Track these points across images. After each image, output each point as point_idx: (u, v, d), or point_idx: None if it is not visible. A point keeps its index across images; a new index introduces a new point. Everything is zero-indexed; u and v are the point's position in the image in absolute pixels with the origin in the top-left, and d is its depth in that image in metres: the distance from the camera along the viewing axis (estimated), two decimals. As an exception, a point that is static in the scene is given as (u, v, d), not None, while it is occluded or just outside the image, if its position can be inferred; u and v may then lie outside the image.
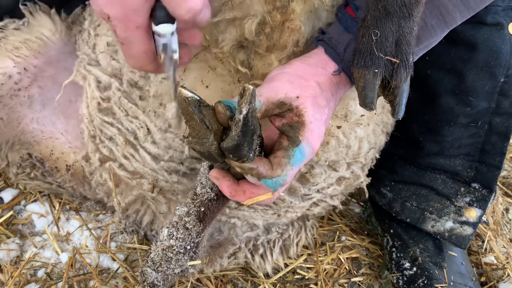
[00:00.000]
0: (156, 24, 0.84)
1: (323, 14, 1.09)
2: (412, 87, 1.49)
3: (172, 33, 0.86)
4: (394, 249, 1.68)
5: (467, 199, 1.58)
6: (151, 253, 1.21)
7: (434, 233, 1.61)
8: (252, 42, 1.10)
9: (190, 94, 0.87)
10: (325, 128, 1.03)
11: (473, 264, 1.77)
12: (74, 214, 1.73)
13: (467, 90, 1.47)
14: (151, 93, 1.27)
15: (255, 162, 0.91)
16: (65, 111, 1.53)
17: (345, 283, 1.66)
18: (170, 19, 0.84)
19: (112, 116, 1.37)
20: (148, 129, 1.32)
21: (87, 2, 1.55)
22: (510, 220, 1.99)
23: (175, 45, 0.88)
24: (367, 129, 1.34)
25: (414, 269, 1.61)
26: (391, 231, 1.71)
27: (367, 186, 1.58)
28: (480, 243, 1.86)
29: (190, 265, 1.23)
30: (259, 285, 1.60)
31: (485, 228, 1.90)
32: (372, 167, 1.55)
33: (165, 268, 1.19)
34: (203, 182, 1.13)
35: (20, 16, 1.51)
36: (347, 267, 1.72)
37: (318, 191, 1.44)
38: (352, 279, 1.67)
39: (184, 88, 0.87)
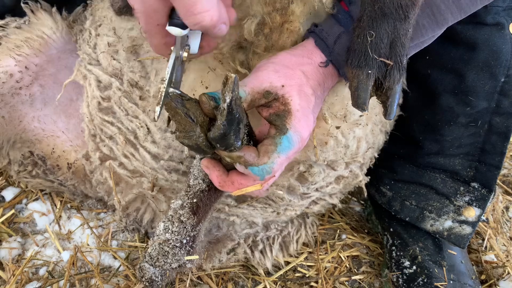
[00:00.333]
0: (169, 25, 0.88)
1: (322, 15, 1.09)
2: (412, 86, 1.51)
3: (185, 36, 0.92)
4: (394, 247, 1.68)
5: (467, 199, 1.58)
6: (148, 248, 1.21)
7: (433, 232, 1.61)
8: (251, 42, 1.11)
9: (171, 89, 0.90)
10: (314, 116, 1.03)
11: (473, 262, 1.77)
12: (76, 212, 1.73)
13: (467, 90, 1.47)
14: (151, 93, 1.28)
15: (242, 150, 0.92)
16: (66, 109, 1.53)
17: (346, 281, 1.66)
18: (183, 24, 0.87)
19: (112, 116, 1.37)
20: (148, 128, 1.33)
21: (88, 1, 1.55)
22: (510, 218, 2.00)
23: (185, 45, 0.94)
24: (365, 129, 1.34)
25: (414, 267, 1.61)
26: (391, 229, 1.72)
27: (367, 184, 1.58)
28: (480, 241, 1.86)
29: (187, 260, 1.24)
30: (260, 283, 1.60)
31: (485, 226, 1.90)
32: (371, 166, 1.55)
33: (163, 263, 1.20)
34: (195, 174, 1.15)
35: (22, 14, 1.51)
36: (347, 265, 1.72)
37: (317, 189, 1.45)
38: (353, 277, 1.68)
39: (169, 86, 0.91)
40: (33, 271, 1.54)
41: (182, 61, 0.95)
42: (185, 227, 1.18)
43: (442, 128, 1.54)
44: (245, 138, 0.95)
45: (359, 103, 0.98)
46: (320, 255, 1.73)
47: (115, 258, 1.60)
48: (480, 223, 1.86)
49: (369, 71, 0.95)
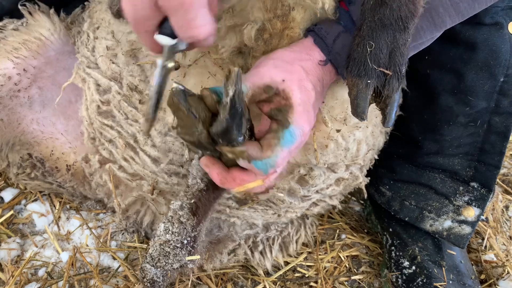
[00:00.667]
0: (158, 33, 0.87)
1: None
2: (412, 86, 1.50)
3: (173, 46, 0.90)
4: (393, 247, 1.68)
5: (466, 198, 1.58)
6: (149, 249, 1.21)
7: (433, 232, 1.61)
8: (250, 47, 1.10)
9: (174, 85, 0.89)
10: (314, 112, 1.03)
11: (472, 261, 1.77)
12: (75, 213, 1.73)
13: (467, 90, 1.47)
14: (151, 97, 1.27)
15: (245, 145, 0.92)
16: (65, 111, 1.53)
17: (345, 281, 1.66)
18: (173, 34, 0.87)
19: (112, 119, 1.37)
20: None
21: (86, 3, 1.55)
22: (510, 217, 1.99)
23: (172, 55, 0.91)
24: (365, 131, 1.34)
25: (413, 268, 1.61)
26: (390, 229, 1.71)
27: (366, 184, 1.58)
28: (480, 240, 1.86)
29: (188, 260, 1.24)
30: (259, 283, 1.60)
31: (484, 225, 1.90)
32: (371, 167, 1.55)
33: (164, 264, 1.20)
34: (194, 174, 1.15)
35: (20, 16, 1.51)
36: (347, 265, 1.72)
37: (317, 191, 1.45)
38: (352, 277, 1.68)
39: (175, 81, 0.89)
40: (32, 272, 1.54)
41: (167, 70, 0.93)
42: (185, 228, 1.18)
43: (441, 128, 1.54)
44: (247, 133, 0.94)
45: (358, 112, 0.99)
46: (320, 255, 1.73)
47: (114, 258, 1.60)
48: (479, 222, 1.85)
49: (368, 81, 0.96)
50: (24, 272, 1.51)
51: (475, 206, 1.57)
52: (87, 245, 1.63)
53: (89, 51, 1.41)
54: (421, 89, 1.53)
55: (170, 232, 1.18)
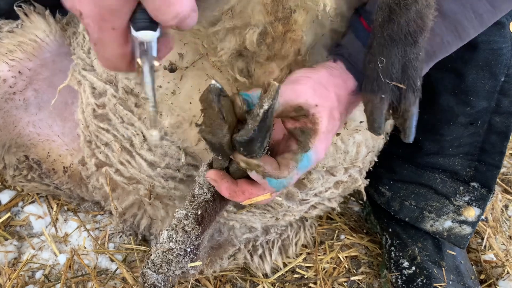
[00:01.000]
0: (137, 30, 0.75)
1: (326, 22, 1.08)
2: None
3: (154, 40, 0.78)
4: (393, 248, 1.68)
5: (466, 198, 1.57)
6: (151, 255, 1.20)
7: (433, 233, 1.61)
8: (253, 52, 1.09)
9: (213, 82, 0.85)
10: (331, 140, 1.03)
11: (472, 261, 1.77)
12: (72, 215, 1.73)
13: (467, 90, 1.46)
14: (147, 101, 1.26)
15: (262, 159, 0.91)
16: (61, 113, 1.52)
17: (345, 282, 1.66)
18: (152, 24, 0.75)
19: (107, 123, 1.36)
20: (144, 136, 1.31)
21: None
22: (509, 217, 1.99)
23: (155, 51, 0.79)
24: (365, 134, 1.33)
25: (413, 268, 1.61)
26: (390, 230, 1.71)
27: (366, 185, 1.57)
28: (480, 240, 1.86)
29: (191, 267, 1.23)
30: (258, 284, 1.60)
31: (484, 225, 1.90)
32: (371, 168, 1.54)
33: (166, 270, 1.19)
34: (200, 183, 1.12)
35: (16, 17, 1.50)
36: (346, 266, 1.71)
37: (315, 195, 1.44)
38: (352, 278, 1.67)
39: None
40: (30, 274, 1.54)
41: (154, 71, 0.80)
42: (189, 237, 1.16)
43: (441, 128, 1.54)
44: (267, 147, 0.92)
45: (374, 127, 0.99)
46: (319, 255, 1.73)
47: (112, 260, 1.59)
48: (479, 222, 1.85)
49: (382, 96, 0.95)
50: (21, 274, 1.51)
51: (475, 206, 1.57)
52: (85, 247, 1.62)
53: (85, 53, 1.40)
54: (422, 89, 1.52)
55: (173, 240, 1.16)
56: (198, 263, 1.23)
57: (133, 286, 1.50)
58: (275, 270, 1.65)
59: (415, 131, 1.01)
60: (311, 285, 1.63)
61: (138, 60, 0.77)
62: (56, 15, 1.55)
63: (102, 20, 0.73)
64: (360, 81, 1.03)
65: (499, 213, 1.96)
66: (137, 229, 1.61)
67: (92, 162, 1.44)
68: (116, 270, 1.56)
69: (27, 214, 1.70)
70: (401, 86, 0.95)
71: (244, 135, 0.84)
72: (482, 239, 1.85)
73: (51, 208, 1.73)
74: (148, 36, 0.75)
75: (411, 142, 1.03)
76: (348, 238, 1.81)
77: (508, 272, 1.71)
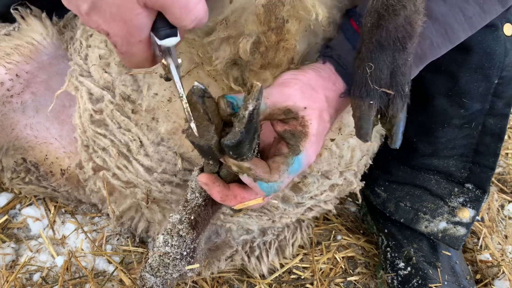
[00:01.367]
0: (161, 39, 0.84)
1: (319, 31, 1.08)
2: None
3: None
4: (388, 248, 1.69)
5: (461, 200, 1.58)
6: (148, 258, 1.21)
7: (428, 234, 1.61)
8: (247, 61, 1.10)
9: (196, 83, 0.86)
10: (323, 142, 1.03)
11: (468, 261, 1.78)
12: (70, 217, 1.73)
13: (461, 92, 1.47)
14: (144, 107, 1.26)
15: (253, 162, 0.90)
16: (59, 116, 1.52)
17: (341, 282, 1.66)
18: (172, 29, 0.84)
19: (105, 128, 1.36)
20: (141, 141, 1.31)
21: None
22: (505, 216, 2.00)
23: (175, 51, 0.89)
24: (359, 138, 1.34)
25: (409, 269, 1.62)
26: (386, 230, 1.72)
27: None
28: (476, 240, 1.86)
29: (188, 269, 1.23)
30: (255, 285, 1.60)
31: (480, 225, 1.90)
32: (366, 171, 1.55)
33: (163, 273, 1.20)
34: (193, 187, 1.12)
35: (12, 20, 1.50)
36: (343, 267, 1.72)
37: (311, 198, 1.45)
38: (348, 279, 1.68)
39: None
40: (27, 277, 1.54)
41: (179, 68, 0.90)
42: (184, 241, 1.17)
43: (436, 130, 1.54)
44: (256, 149, 0.92)
45: (362, 134, 0.99)
46: (316, 256, 1.73)
47: (109, 262, 1.60)
48: (475, 222, 1.86)
49: (371, 102, 0.95)
50: (18, 277, 1.51)
51: (470, 208, 1.58)
52: (82, 249, 1.63)
53: (82, 59, 1.40)
54: (416, 92, 1.52)
55: (169, 244, 1.17)
56: (196, 265, 1.24)
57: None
58: (272, 271, 1.65)
59: (402, 137, 1.01)
60: (307, 285, 1.63)
61: (164, 61, 0.87)
62: (52, 17, 1.55)
63: (131, 36, 0.83)
64: (349, 83, 1.03)
65: (495, 213, 1.97)
66: (134, 231, 1.62)
67: (90, 166, 1.45)
68: (113, 272, 1.56)
69: (25, 216, 1.70)
70: (390, 92, 0.95)
71: (232, 138, 0.83)
72: (478, 239, 1.86)
73: (49, 210, 1.74)
74: (172, 42, 0.85)
75: (398, 147, 1.02)
76: (344, 239, 1.82)
77: (503, 272, 1.72)
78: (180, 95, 0.87)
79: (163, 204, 1.44)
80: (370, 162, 1.52)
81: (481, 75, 1.44)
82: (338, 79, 1.04)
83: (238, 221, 1.47)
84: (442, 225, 1.59)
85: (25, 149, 1.56)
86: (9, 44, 1.44)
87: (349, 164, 1.38)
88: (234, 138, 0.83)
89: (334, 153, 1.31)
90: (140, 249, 1.65)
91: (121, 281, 1.54)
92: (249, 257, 1.59)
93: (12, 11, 1.47)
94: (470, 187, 1.58)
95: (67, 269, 1.55)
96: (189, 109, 0.86)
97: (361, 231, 1.88)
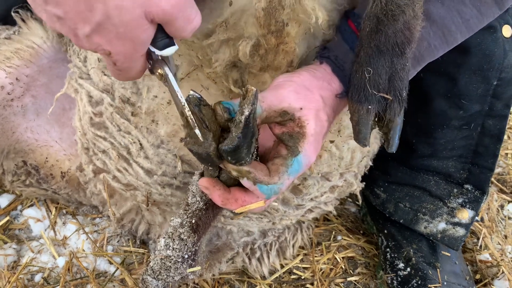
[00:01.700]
0: (161, 49, 0.85)
1: (319, 34, 1.09)
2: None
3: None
4: (388, 249, 1.69)
5: (460, 200, 1.58)
6: (150, 262, 1.21)
7: (427, 234, 1.62)
8: (246, 63, 1.10)
9: (191, 92, 0.86)
10: (322, 142, 1.03)
11: (468, 261, 1.78)
12: (71, 218, 1.74)
13: (460, 94, 1.47)
14: (143, 110, 1.27)
15: (252, 165, 0.91)
16: (59, 119, 1.53)
17: (341, 282, 1.67)
18: (169, 39, 0.85)
19: (104, 131, 1.37)
20: (141, 144, 1.32)
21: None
22: (505, 216, 2.00)
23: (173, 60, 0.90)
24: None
25: (408, 269, 1.62)
26: (385, 231, 1.72)
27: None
28: (475, 240, 1.86)
29: (190, 272, 1.24)
30: (255, 286, 1.61)
31: (480, 225, 1.90)
32: (366, 172, 1.55)
33: (165, 276, 1.20)
34: (193, 191, 1.12)
35: (13, 22, 1.51)
36: (343, 267, 1.72)
37: (311, 199, 1.45)
38: (348, 279, 1.68)
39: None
40: (29, 277, 1.55)
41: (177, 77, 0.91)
42: (186, 244, 1.17)
43: (435, 131, 1.54)
44: (254, 153, 0.92)
45: (360, 138, 0.99)
46: (316, 256, 1.74)
47: (110, 263, 1.61)
48: (475, 222, 1.86)
49: (369, 106, 0.96)
50: (20, 278, 1.52)
51: (469, 208, 1.58)
52: (84, 250, 1.64)
53: (81, 61, 1.40)
54: (415, 93, 1.53)
55: (170, 248, 1.17)
56: (197, 268, 1.24)
57: (131, 288, 1.52)
58: (272, 271, 1.66)
59: (398, 141, 1.02)
60: (308, 286, 1.64)
61: (160, 71, 0.88)
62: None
63: (135, 52, 0.82)
64: (346, 84, 1.03)
65: (495, 213, 1.97)
66: (135, 233, 1.62)
67: (90, 168, 1.45)
68: (114, 273, 1.57)
69: (26, 217, 1.71)
70: (388, 97, 0.96)
71: (230, 143, 0.84)
72: (478, 239, 1.86)
73: (50, 211, 1.74)
74: (172, 51, 0.86)
75: (394, 152, 1.03)
76: (345, 239, 1.82)
77: (503, 272, 1.72)
78: (182, 103, 0.87)
79: (163, 206, 1.44)
80: (370, 163, 1.52)
81: (480, 76, 1.44)
82: (334, 79, 1.05)
83: (238, 223, 1.47)
84: (442, 225, 1.60)
85: (26, 152, 1.56)
86: (9, 47, 1.45)
87: (349, 165, 1.38)
88: (232, 143, 0.83)
89: (334, 155, 1.32)
90: (141, 250, 1.65)
91: (122, 281, 1.55)
92: (250, 259, 1.59)
93: (13, 14, 1.48)
94: (469, 188, 1.58)
95: (69, 269, 1.56)
96: (192, 116, 0.86)
97: (361, 232, 1.88)
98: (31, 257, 1.60)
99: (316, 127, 0.97)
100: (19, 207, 1.75)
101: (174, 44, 0.86)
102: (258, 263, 1.60)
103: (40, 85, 1.49)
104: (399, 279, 1.62)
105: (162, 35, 0.84)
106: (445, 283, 1.57)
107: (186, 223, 1.15)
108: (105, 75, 1.33)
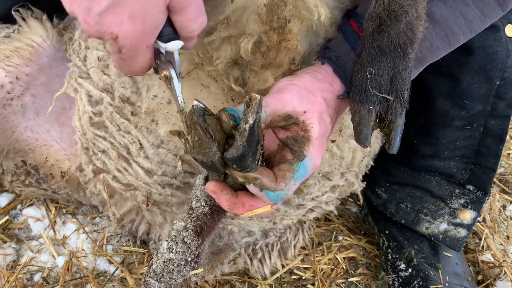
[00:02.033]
0: (166, 42, 0.85)
1: (321, 31, 1.08)
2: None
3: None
4: (389, 250, 1.68)
5: (462, 201, 1.58)
6: (152, 264, 1.21)
7: (429, 235, 1.61)
8: (248, 60, 1.09)
9: (195, 102, 0.85)
10: (326, 144, 1.03)
11: (470, 262, 1.77)
12: (71, 217, 1.73)
13: (463, 93, 1.46)
14: (143, 109, 1.26)
15: (258, 172, 0.90)
16: (59, 118, 1.52)
17: (342, 283, 1.66)
18: (176, 35, 0.85)
19: (104, 130, 1.36)
20: (140, 144, 1.31)
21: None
22: (507, 217, 1.99)
23: (178, 59, 0.90)
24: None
25: (410, 270, 1.61)
26: (387, 232, 1.71)
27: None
28: (477, 241, 1.86)
29: (192, 274, 1.23)
30: (256, 286, 1.60)
31: (482, 225, 1.90)
32: (367, 172, 1.54)
33: (168, 279, 1.19)
34: (198, 195, 1.11)
35: (13, 21, 1.50)
36: (344, 267, 1.72)
37: (312, 199, 1.45)
38: (349, 279, 1.68)
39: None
40: (28, 277, 1.54)
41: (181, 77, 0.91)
42: (189, 248, 1.16)
43: (437, 131, 1.54)
44: (260, 159, 0.91)
45: (361, 139, 0.99)
46: (317, 257, 1.73)
47: (110, 262, 1.60)
48: (477, 222, 1.85)
49: (371, 107, 0.96)
50: (19, 277, 1.51)
51: (471, 209, 1.57)
52: (83, 250, 1.63)
53: (81, 60, 1.40)
54: (417, 93, 1.52)
55: (174, 251, 1.16)
56: (200, 270, 1.24)
57: (132, 288, 1.51)
58: (273, 271, 1.65)
59: (399, 143, 1.01)
60: (309, 286, 1.63)
61: (165, 72, 0.89)
62: (53, 19, 1.55)
63: (141, 39, 0.82)
64: (347, 85, 1.03)
65: (497, 214, 1.96)
66: (135, 234, 1.61)
67: (90, 168, 1.45)
68: (114, 272, 1.56)
69: (26, 217, 1.70)
70: (389, 98, 0.95)
71: (235, 152, 0.83)
72: (480, 239, 1.85)
73: (50, 211, 1.74)
74: (177, 45, 0.86)
75: (395, 153, 1.02)
76: (346, 239, 1.82)
77: (505, 273, 1.72)
78: (181, 108, 0.87)
79: (163, 206, 1.44)
80: (371, 163, 1.52)
81: (482, 76, 1.44)
82: (335, 80, 1.04)
83: (239, 223, 1.47)
84: (443, 226, 1.59)
85: (25, 152, 1.56)
86: (9, 46, 1.44)
87: (350, 165, 1.38)
88: (237, 152, 0.83)
89: (335, 154, 1.31)
90: (141, 250, 1.65)
91: (122, 281, 1.54)
92: (251, 260, 1.59)
93: (13, 12, 1.47)
94: (471, 189, 1.58)
95: (68, 269, 1.55)
96: (187, 123, 0.86)
97: (363, 232, 1.88)
98: (30, 257, 1.59)
99: (320, 130, 0.97)
100: (19, 207, 1.75)
101: (179, 38, 0.86)
102: (260, 263, 1.60)
103: (40, 84, 1.49)
104: (400, 280, 1.62)
105: (169, 32, 0.85)
106: (446, 284, 1.57)
107: (190, 226, 1.14)
108: (104, 74, 1.32)
